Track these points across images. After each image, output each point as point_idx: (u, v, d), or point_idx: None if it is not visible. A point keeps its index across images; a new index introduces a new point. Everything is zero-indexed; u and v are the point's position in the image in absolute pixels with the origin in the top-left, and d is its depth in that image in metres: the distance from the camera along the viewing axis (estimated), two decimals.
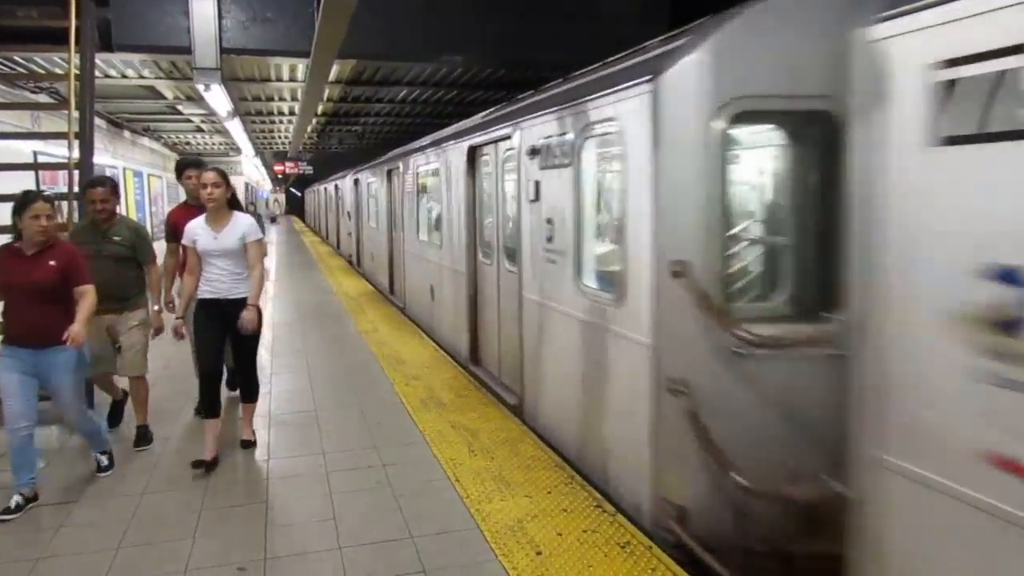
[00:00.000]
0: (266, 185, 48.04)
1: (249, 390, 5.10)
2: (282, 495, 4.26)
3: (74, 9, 6.48)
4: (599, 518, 3.80)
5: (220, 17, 8.33)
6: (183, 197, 5.89)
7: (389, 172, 11.49)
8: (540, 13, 9.42)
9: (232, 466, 4.73)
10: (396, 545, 3.60)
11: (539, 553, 3.47)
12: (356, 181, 16.35)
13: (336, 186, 22.06)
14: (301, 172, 33.16)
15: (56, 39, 6.76)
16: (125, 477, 4.58)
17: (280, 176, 41.74)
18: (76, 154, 6.28)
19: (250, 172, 31.84)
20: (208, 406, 4.80)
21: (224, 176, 4.79)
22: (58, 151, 9.32)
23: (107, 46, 8.03)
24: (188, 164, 5.82)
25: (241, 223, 4.79)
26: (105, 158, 12.58)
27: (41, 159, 9.67)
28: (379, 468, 4.60)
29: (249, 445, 5.04)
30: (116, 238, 5.06)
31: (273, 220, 44.59)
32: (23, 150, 9.59)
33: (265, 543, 3.66)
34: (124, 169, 14.06)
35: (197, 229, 4.76)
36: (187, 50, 8.35)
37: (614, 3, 9.66)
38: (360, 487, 4.33)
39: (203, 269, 4.77)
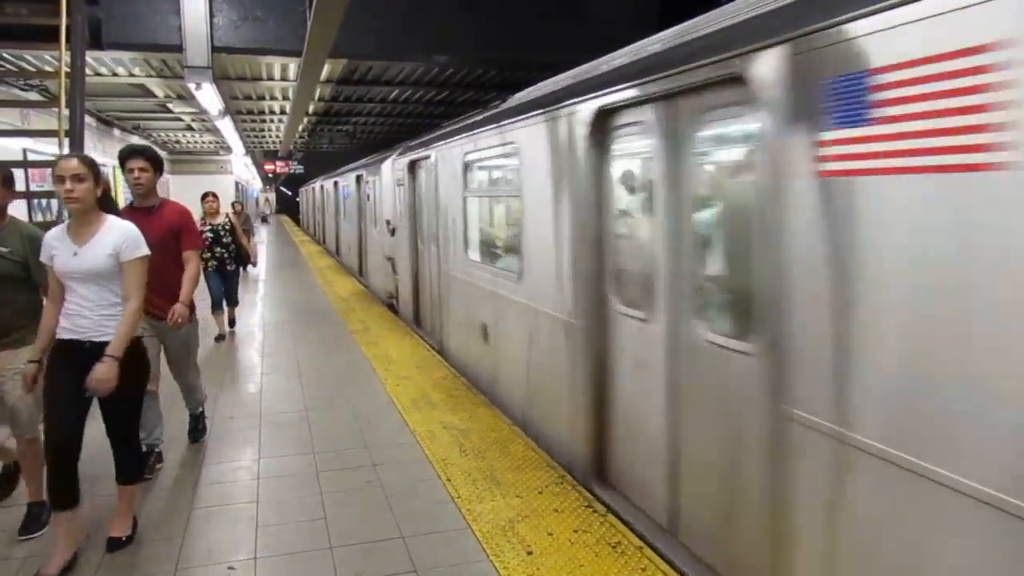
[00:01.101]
0: (256, 184, 47.94)
1: (128, 468, 3.61)
2: (272, 495, 4.26)
3: (65, 7, 6.44)
4: (590, 518, 3.82)
5: (211, 16, 8.32)
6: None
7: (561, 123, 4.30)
8: (532, 14, 9.45)
9: (221, 466, 4.72)
10: (387, 545, 3.61)
11: (530, 553, 3.48)
12: (414, 165, 8.80)
13: (359, 177, 13.96)
14: (292, 171, 33.16)
15: (46, 37, 6.72)
16: None
17: (271, 175, 41.66)
18: (66, 152, 6.25)
19: (240, 171, 31.75)
20: (55, 492, 3.32)
21: (92, 165, 3.42)
22: (48, 149, 9.27)
23: (98, 44, 8.01)
24: (130, 153, 4.62)
25: (114, 232, 3.41)
26: (95, 156, 12.53)
27: (31, 157, 9.62)
28: (370, 468, 4.60)
29: (118, 545, 3.56)
30: (3, 249, 3.69)
31: (264, 220, 44.86)
32: (12, 147, 9.52)
33: (256, 542, 3.67)
34: (114, 167, 14.00)
35: (53, 241, 3.43)
36: (178, 48, 8.34)
37: (606, 4, 9.71)
38: (351, 487, 4.33)
39: (65, 297, 3.43)
